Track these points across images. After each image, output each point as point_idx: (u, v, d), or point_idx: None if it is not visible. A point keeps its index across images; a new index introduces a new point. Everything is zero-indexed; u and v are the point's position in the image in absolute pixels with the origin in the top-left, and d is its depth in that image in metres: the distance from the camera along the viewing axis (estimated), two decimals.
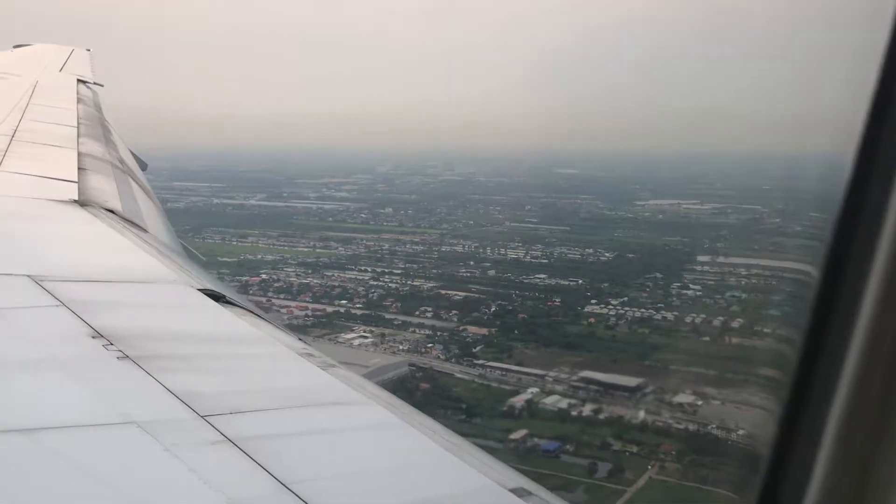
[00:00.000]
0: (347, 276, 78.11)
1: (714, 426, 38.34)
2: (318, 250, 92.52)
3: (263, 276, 77.49)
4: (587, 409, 42.59)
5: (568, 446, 38.28)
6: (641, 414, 41.25)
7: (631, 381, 45.34)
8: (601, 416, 41.57)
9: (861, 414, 1.14)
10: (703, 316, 59.61)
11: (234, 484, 2.21)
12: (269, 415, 2.71)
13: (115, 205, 6.07)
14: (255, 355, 3.45)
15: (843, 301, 1.12)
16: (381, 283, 74.50)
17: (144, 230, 5.76)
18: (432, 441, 2.75)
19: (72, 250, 4.69)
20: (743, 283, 68.03)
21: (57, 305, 3.48)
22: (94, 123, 10.34)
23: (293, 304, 67.26)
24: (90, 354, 3.00)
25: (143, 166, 10.19)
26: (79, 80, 13.96)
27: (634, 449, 37.48)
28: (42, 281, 3.77)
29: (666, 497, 32.93)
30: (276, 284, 73.96)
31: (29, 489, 2.08)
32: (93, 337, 3.17)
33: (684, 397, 42.55)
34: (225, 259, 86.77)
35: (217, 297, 4.12)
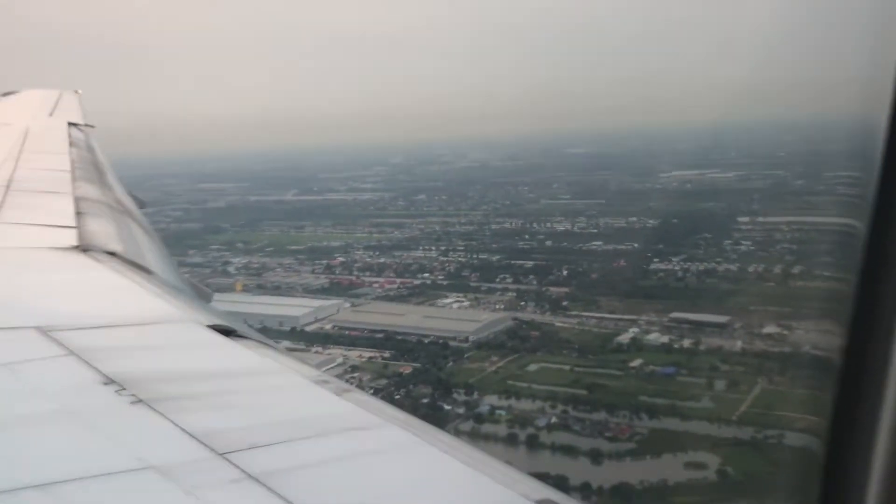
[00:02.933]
0: (415, 254, 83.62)
1: (808, 348, 44.16)
2: (374, 235, 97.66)
3: (340, 258, 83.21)
4: (686, 343, 48.60)
5: (682, 370, 44.32)
6: (738, 343, 47.26)
7: (718, 319, 51.32)
8: (702, 347, 47.55)
9: None
10: (763, 266, 65.09)
11: None
12: (289, 447, 2.73)
13: (116, 247, 6.09)
14: (270, 387, 3.52)
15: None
16: (450, 259, 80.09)
17: (147, 270, 5.83)
18: (453, 458, 2.77)
19: (77, 297, 4.76)
20: (789, 237, 74.09)
21: (66, 355, 3.54)
22: (88, 166, 10.20)
23: (381, 279, 73.01)
24: (103, 402, 3.02)
25: (140, 205, 10.24)
26: (69, 124, 13.80)
27: (741, 368, 43.46)
28: (50, 331, 3.84)
29: (780, 400, 38.83)
30: (356, 265, 79.68)
31: None
32: (105, 384, 3.19)
33: (771, 329, 48.44)
34: (293, 248, 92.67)
35: (227, 332, 4.21)
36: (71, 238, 6.07)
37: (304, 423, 2.99)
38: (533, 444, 38.07)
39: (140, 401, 3.02)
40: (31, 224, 6.57)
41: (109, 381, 3.22)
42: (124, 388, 3.14)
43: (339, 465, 2.66)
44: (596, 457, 36.19)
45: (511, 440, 38.49)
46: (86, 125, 14.23)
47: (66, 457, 2.55)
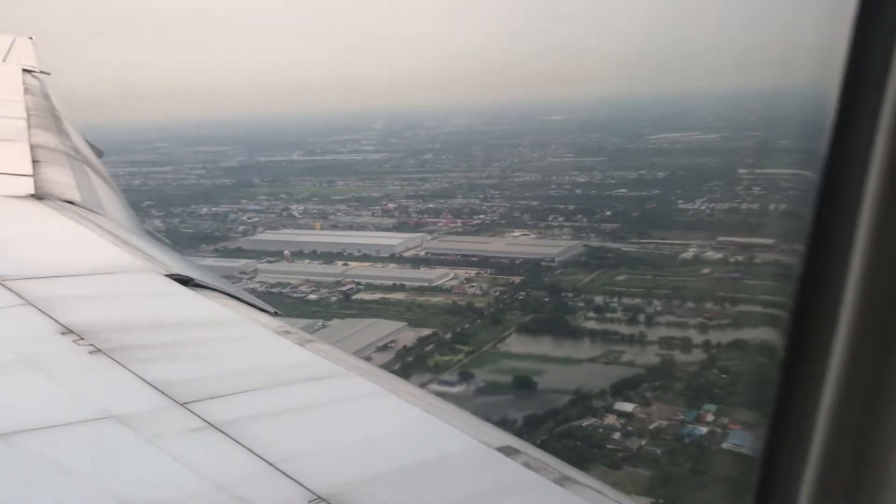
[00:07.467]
0: (457, 202, 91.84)
1: None
2: (405, 187, 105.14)
3: (391, 205, 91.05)
4: (740, 258, 58.89)
5: (747, 276, 54.58)
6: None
7: (763, 242, 61.62)
8: (756, 260, 57.83)
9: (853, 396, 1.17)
10: (784, 205, 75.91)
11: (220, 469, 2.22)
12: (250, 396, 2.71)
13: (74, 195, 5.96)
14: (231, 337, 3.45)
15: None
16: (494, 205, 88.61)
17: (105, 219, 5.68)
18: (415, 406, 2.76)
19: (34, 247, 4.65)
20: (791, 185, 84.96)
21: (23, 304, 3.43)
22: (45, 113, 10.04)
23: (441, 220, 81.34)
24: (61, 351, 2.95)
25: (98, 153, 10.13)
26: (24, 70, 13.44)
27: None
28: (5, 281, 3.73)
29: None
30: (409, 209, 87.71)
31: (12, 494, 2.03)
32: (62, 333, 3.11)
33: None
34: (337, 198, 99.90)
35: (185, 281, 4.14)
36: (27, 186, 5.95)
37: (266, 373, 3.03)
38: (650, 322, 47.88)
39: (99, 350, 2.97)
40: None
41: (67, 330, 3.15)
42: (82, 338, 3.08)
43: (300, 414, 2.69)
44: (703, 327, 46.11)
45: (632, 320, 48.32)
46: (41, 72, 13.84)
47: (26, 407, 2.53)
